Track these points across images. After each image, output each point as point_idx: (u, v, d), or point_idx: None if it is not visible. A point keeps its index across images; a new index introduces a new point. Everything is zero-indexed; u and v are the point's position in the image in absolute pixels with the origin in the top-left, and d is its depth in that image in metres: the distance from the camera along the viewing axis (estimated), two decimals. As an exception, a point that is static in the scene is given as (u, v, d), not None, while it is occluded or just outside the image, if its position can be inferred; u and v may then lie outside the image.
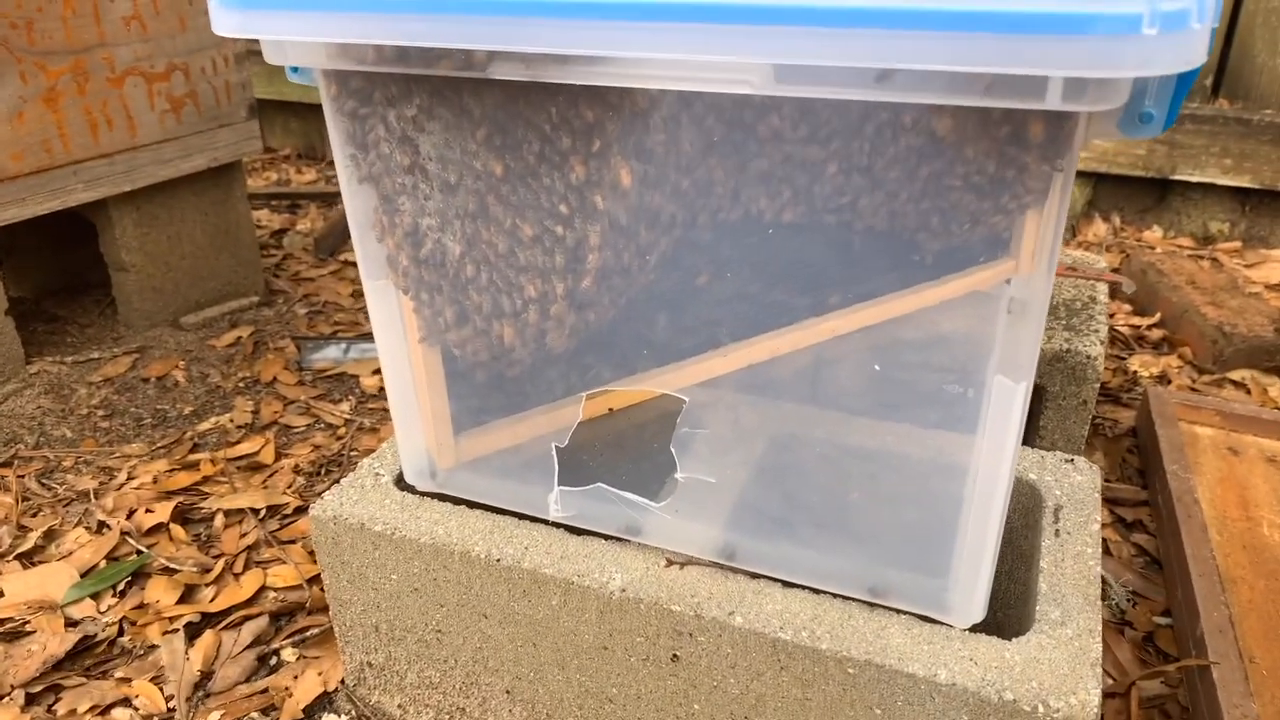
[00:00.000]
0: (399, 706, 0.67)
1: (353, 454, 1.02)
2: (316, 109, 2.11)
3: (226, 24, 0.45)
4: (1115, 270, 1.41)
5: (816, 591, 0.53)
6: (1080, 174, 1.58)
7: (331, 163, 2.16)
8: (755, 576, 0.54)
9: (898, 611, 0.51)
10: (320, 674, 0.71)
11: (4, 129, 1.03)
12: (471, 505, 0.61)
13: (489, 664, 0.61)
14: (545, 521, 0.59)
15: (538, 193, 0.48)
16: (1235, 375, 1.15)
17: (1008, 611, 0.61)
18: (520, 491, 0.59)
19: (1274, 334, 1.15)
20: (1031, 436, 0.84)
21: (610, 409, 0.60)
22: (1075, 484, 0.61)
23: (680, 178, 0.49)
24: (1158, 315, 1.27)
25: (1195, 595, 0.74)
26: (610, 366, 0.55)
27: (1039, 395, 0.82)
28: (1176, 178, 1.50)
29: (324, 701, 0.70)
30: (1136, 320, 1.28)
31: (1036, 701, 0.46)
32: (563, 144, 0.46)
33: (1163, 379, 1.15)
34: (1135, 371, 1.16)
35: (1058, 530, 0.57)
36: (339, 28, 0.43)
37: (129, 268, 1.25)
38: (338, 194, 1.79)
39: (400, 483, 0.64)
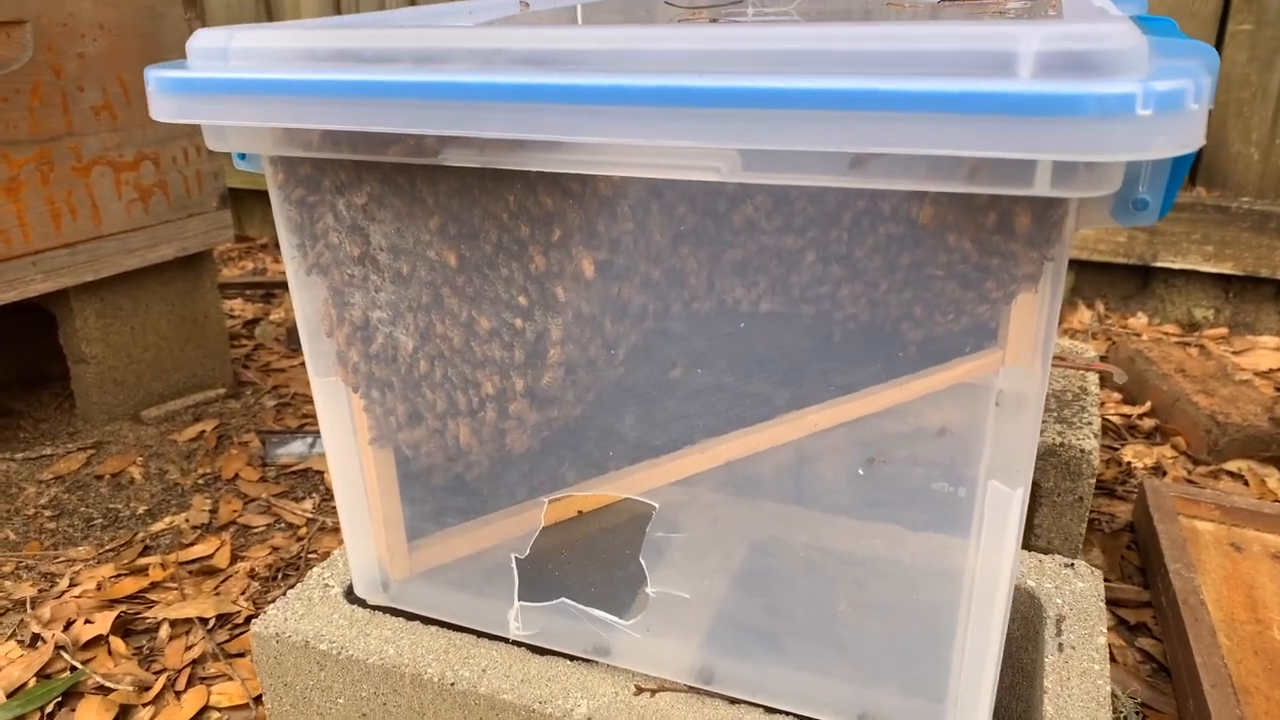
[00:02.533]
0: (344, 847, 0.60)
1: (311, 556, 0.96)
2: (297, 199, 2.10)
3: (163, 109, 0.43)
4: (1103, 359, 1.39)
5: (792, 717, 0.48)
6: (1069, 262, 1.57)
7: (310, 252, 2.14)
8: (734, 702, 0.49)
9: (892, 742, 0.46)
10: (260, 809, 0.64)
11: (-38, 219, 1.01)
12: (426, 621, 0.56)
13: (443, 800, 0.55)
14: (506, 640, 0.54)
15: (495, 284, 0.45)
16: (1232, 466, 1.11)
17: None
18: (478, 606, 0.54)
19: (1269, 423, 1.12)
20: (1028, 535, 0.80)
21: (579, 511, 0.55)
22: (1077, 591, 0.57)
23: (650, 267, 0.46)
24: (1148, 404, 1.25)
25: (1209, 708, 0.68)
26: (576, 467, 0.51)
27: (1034, 492, 0.79)
28: (1158, 264, 1.50)
29: (262, 841, 0.63)
30: (1127, 409, 1.25)
31: None
32: (521, 233, 0.43)
33: (1158, 470, 1.11)
34: (1129, 463, 1.13)
35: (1060, 644, 0.53)
36: (282, 112, 0.40)
37: (89, 359, 1.20)
38: (314, 283, 1.76)
39: (350, 595, 0.59)
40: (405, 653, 0.53)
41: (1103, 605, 0.56)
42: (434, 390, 0.49)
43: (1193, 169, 1.51)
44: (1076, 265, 1.57)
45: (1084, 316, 1.54)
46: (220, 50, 0.42)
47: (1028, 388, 0.40)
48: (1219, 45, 1.44)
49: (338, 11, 1.93)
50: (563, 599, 0.51)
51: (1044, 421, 0.79)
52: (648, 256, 0.46)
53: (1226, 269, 1.46)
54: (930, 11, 0.57)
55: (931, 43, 0.32)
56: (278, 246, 2.14)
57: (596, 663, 0.52)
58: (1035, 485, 0.78)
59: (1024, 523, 0.43)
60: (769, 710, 0.49)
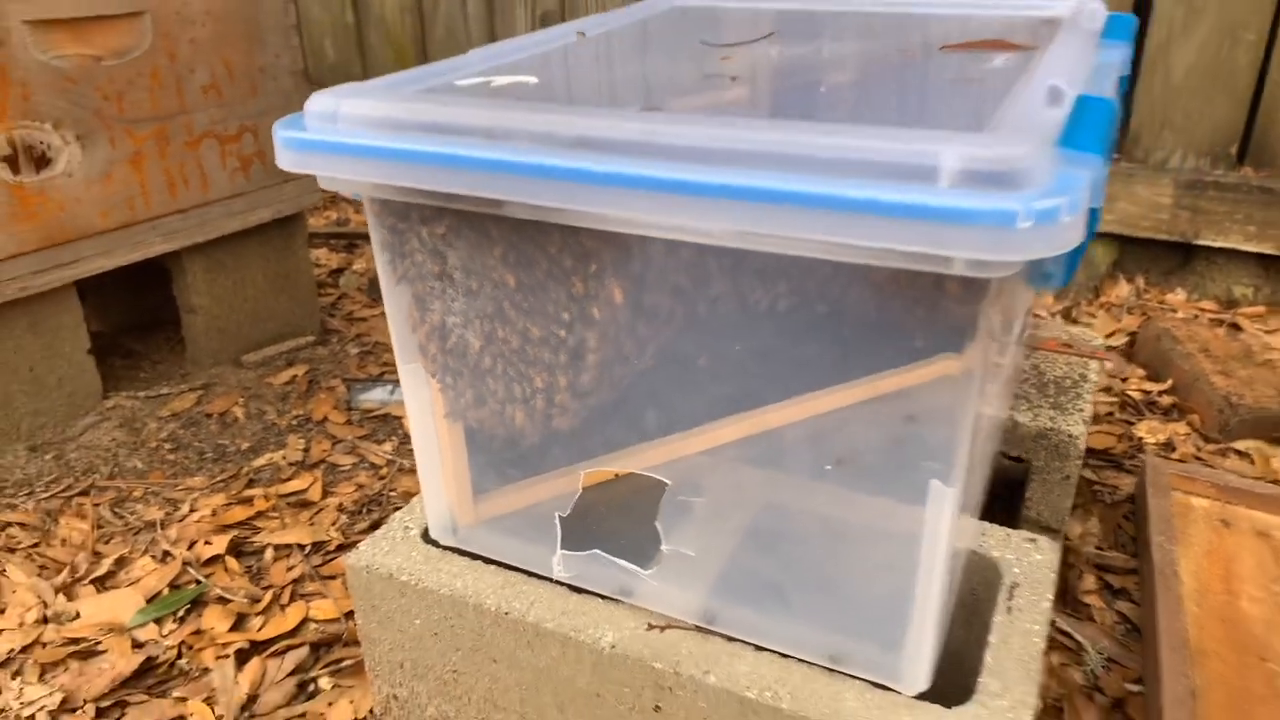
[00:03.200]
0: (419, 736, 0.74)
1: (391, 493, 1.10)
2: (375, 152, 2.23)
3: (286, 160, 0.54)
4: (1132, 336, 1.44)
5: (784, 656, 0.60)
6: (1106, 235, 1.61)
7: (388, 202, 2.28)
8: (730, 640, 0.61)
9: (854, 677, 0.58)
10: (352, 703, 0.79)
11: (94, 189, 1.15)
12: (487, 561, 0.69)
13: (498, 703, 0.69)
14: (550, 579, 0.66)
15: (544, 302, 0.56)
16: (1240, 445, 1.18)
17: (969, 679, 0.67)
18: (529, 551, 0.67)
19: (1281, 406, 1.18)
20: (1018, 507, 0.89)
21: (615, 475, 0.67)
22: (1034, 562, 0.67)
23: (665, 294, 0.56)
24: (1169, 382, 1.31)
25: (1161, 666, 0.78)
26: (606, 443, 0.62)
27: (1026, 470, 0.88)
28: (1200, 242, 1.53)
29: (354, 727, 0.78)
30: (1150, 386, 1.32)
31: (968, 767, 0.52)
32: (565, 265, 0.54)
33: (1168, 446, 1.18)
34: (1141, 438, 1.20)
35: (1010, 607, 0.63)
36: (375, 171, 0.51)
37: (197, 310, 1.36)
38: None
39: (425, 537, 0.72)
40: (469, 586, 0.66)
41: (1054, 576, 0.66)
42: (495, 381, 0.61)
43: (1242, 149, 1.53)
44: (1120, 240, 1.61)
45: (1123, 290, 1.59)
46: (330, 114, 0.53)
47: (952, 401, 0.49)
48: (1274, 30, 1.44)
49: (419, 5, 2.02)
50: (596, 550, 0.63)
51: (1039, 406, 0.88)
52: (663, 288, 0.56)
53: (1268, 249, 1.49)
54: (929, 56, 0.65)
55: (875, 153, 0.41)
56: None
57: (621, 602, 0.64)
58: (1027, 463, 0.87)
59: (960, 508, 0.53)
60: (758, 648, 0.60)
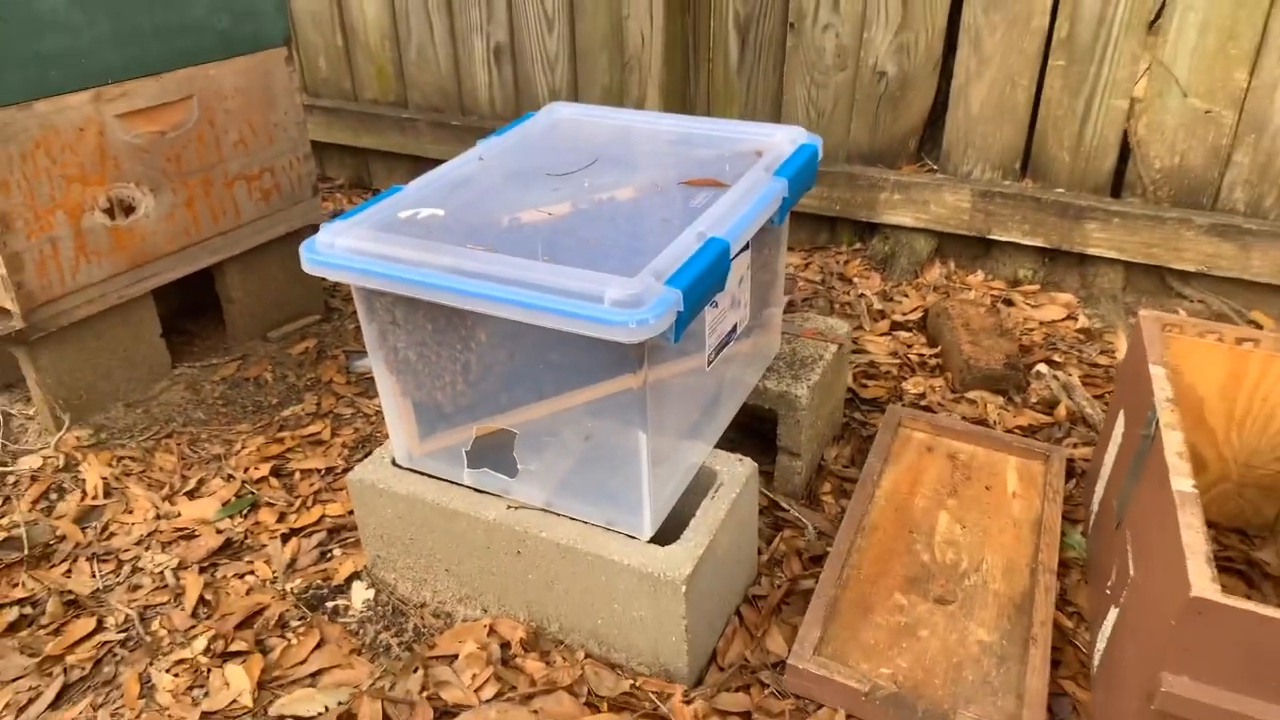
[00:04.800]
0: (394, 578, 1.27)
1: (379, 435, 1.61)
2: (364, 151, 2.68)
3: (307, 267, 1.03)
4: (927, 313, 1.93)
5: (584, 523, 1.11)
6: (929, 232, 2.09)
7: (376, 191, 2.74)
8: (559, 515, 1.12)
9: (618, 532, 1.09)
10: (353, 561, 1.32)
11: (162, 224, 1.64)
12: (428, 476, 1.20)
13: (436, 556, 1.20)
14: (461, 484, 1.17)
15: (448, 338, 1.06)
16: (971, 395, 1.68)
17: (680, 532, 1.18)
18: (450, 470, 1.18)
19: (1003, 367, 1.68)
20: (773, 440, 1.40)
21: (500, 429, 1.17)
22: (736, 472, 1.18)
23: (501, 339, 1.05)
24: (939, 348, 1.81)
25: (839, 531, 1.30)
26: (489, 411, 1.13)
27: (775, 415, 1.38)
28: (992, 237, 2.01)
29: (355, 576, 1.30)
30: (925, 351, 1.82)
31: (663, 572, 1.03)
32: (455, 321, 1.04)
33: (922, 396, 1.69)
34: (905, 390, 1.70)
35: (714, 496, 1.14)
36: (351, 277, 1.00)
37: (234, 300, 1.85)
38: (377, 229, 2.36)
39: (394, 463, 1.23)
40: (417, 489, 1.17)
41: (745, 480, 1.16)
42: (424, 377, 1.11)
43: (1024, 165, 2.00)
44: (937, 235, 2.09)
45: (935, 273, 2.08)
46: (329, 243, 1.03)
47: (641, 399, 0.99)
48: (1041, 76, 1.90)
49: (394, 21, 2.45)
50: (485, 468, 1.14)
51: (781, 375, 1.38)
52: (502, 334, 1.05)
53: (1040, 242, 1.97)
54: (674, 191, 1.14)
55: (581, 282, 0.90)
56: (353, 186, 2.75)
57: (500, 495, 1.15)
58: (775, 413, 1.38)
59: (657, 445, 1.03)
60: (572, 519, 1.11)
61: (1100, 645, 1.11)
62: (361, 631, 1.21)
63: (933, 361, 1.79)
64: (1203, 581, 0.85)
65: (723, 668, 1.13)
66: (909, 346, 1.84)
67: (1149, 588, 0.97)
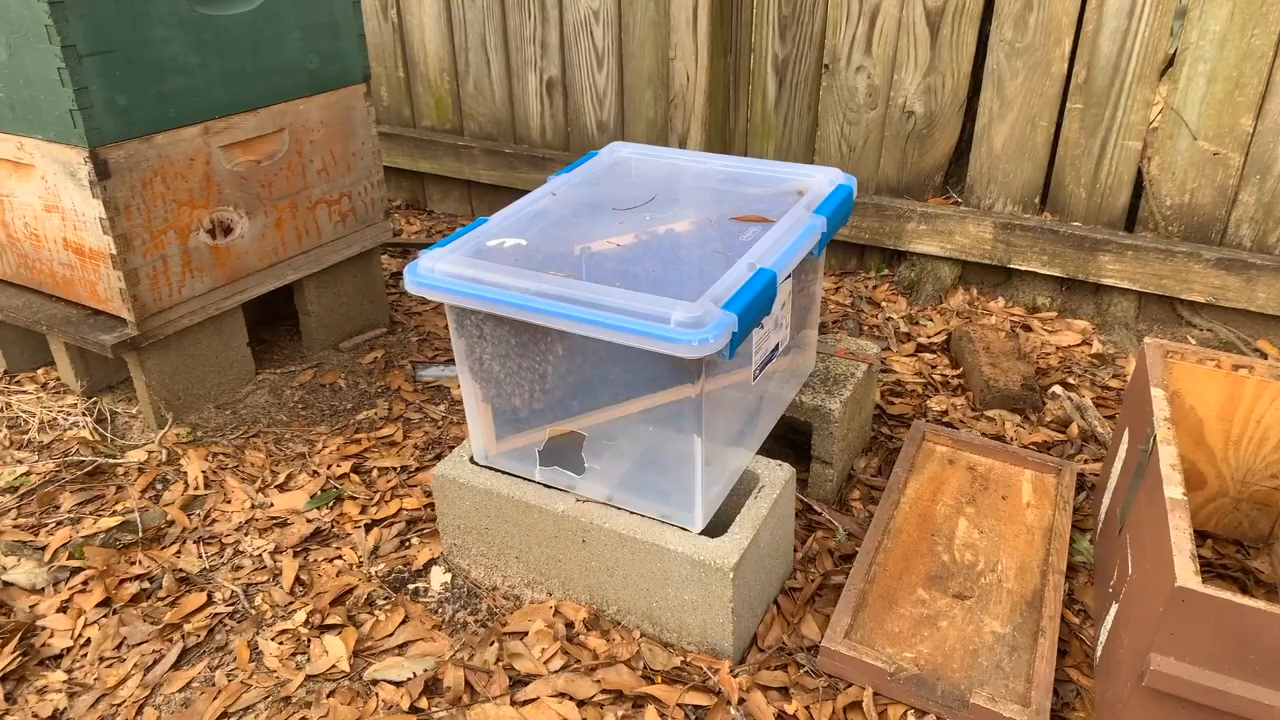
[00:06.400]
0: (468, 564, 1.42)
1: (446, 437, 1.77)
2: (421, 175, 2.86)
3: (412, 289, 1.19)
4: (948, 339, 2.07)
5: (642, 516, 1.26)
6: (954, 260, 2.23)
7: (431, 212, 2.92)
8: (619, 509, 1.27)
9: (671, 524, 1.24)
10: (430, 549, 1.47)
11: (255, 244, 1.81)
12: (503, 473, 1.35)
13: (508, 544, 1.36)
14: (533, 481, 1.33)
15: (528, 351, 1.22)
16: (990, 414, 1.82)
17: (726, 527, 1.33)
18: (524, 467, 1.33)
19: (1020, 389, 1.82)
20: (807, 449, 1.54)
21: (571, 431, 1.33)
22: (776, 476, 1.32)
23: (576, 353, 1.21)
24: (961, 369, 1.94)
25: (867, 533, 1.44)
26: (561, 415, 1.28)
27: (809, 429, 1.52)
28: (1012, 266, 2.15)
29: (432, 562, 1.45)
30: (948, 371, 1.95)
31: (713, 559, 1.18)
32: (537, 336, 1.20)
33: (945, 413, 1.82)
34: (929, 406, 1.84)
35: (757, 496, 1.29)
36: (448, 297, 1.16)
37: (310, 314, 2.02)
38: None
39: (472, 460, 1.39)
40: (493, 484, 1.33)
41: (785, 483, 1.31)
42: (505, 385, 1.26)
43: (1043, 200, 2.14)
44: (960, 263, 2.23)
45: (959, 299, 2.21)
46: (430, 268, 1.19)
47: (696, 407, 1.14)
48: (1060, 117, 2.04)
49: (451, 35, 2.64)
50: (555, 466, 1.30)
51: (816, 391, 1.52)
52: (576, 349, 1.20)
53: (1056, 272, 2.11)
54: (727, 225, 1.29)
55: (651, 305, 1.06)
56: (409, 207, 2.92)
57: (568, 491, 1.30)
58: (810, 425, 1.52)
59: (710, 448, 1.18)
60: (631, 513, 1.26)
61: (1103, 638, 1.24)
62: (440, 610, 1.36)
63: (955, 382, 1.92)
64: (1186, 574, 0.98)
65: (762, 649, 1.27)
66: (933, 367, 1.97)
67: (1143, 583, 1.11)
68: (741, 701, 1.17)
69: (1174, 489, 1.11)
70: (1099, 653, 1.25)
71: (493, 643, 1.27)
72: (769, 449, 1.62)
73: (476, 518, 1.36)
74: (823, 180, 1.42)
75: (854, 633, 1.27)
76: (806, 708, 1.17)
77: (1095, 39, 1.96)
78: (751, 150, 2.41)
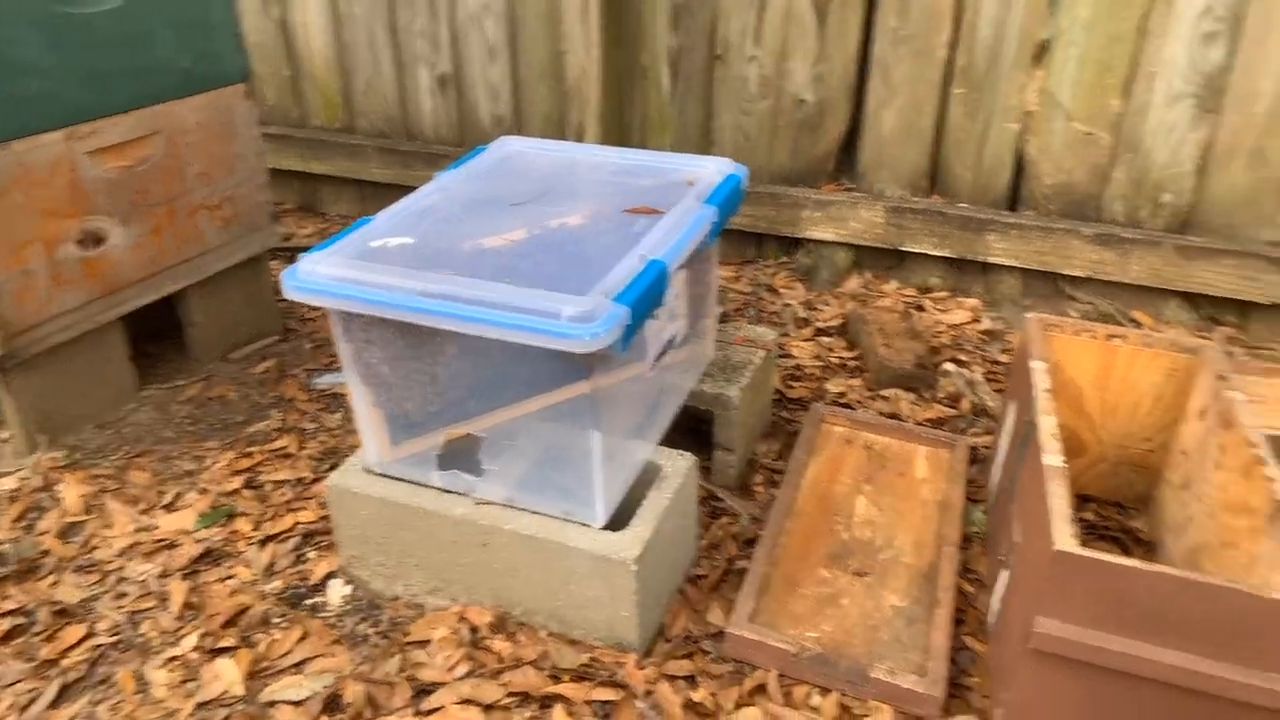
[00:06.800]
0: (368, 575, 1.38)
1: (343, 447, 1.72)
2: (313, 176, 2.78)
3: (289, 293, 1.15)
4: (845, 321, 2.11)
5: (544, 515, 1.24)
6: (848, 245, 2.27)
7: (325, 215, 2.84)
8: (520, 510, 1.25)
9: (574, 521, 1.23)
10: (328, 562, 1.43)
11: (130, 254, 1.72)
12: (399, 480, 1.32)
13: (408, 552, 1.32)
14: (430, 486, 1.30)
15: (418, 352, 1.19)
16: (886, 393, 1.86)
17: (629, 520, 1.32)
18: (420, 473, 1.30)
19: (914, 367, 1.86)
20: (709, 436, 1.55)
21: (468, 433, 1.30)
22: (678, 465, 1.32)
23: (467, 352, 1.18)
24: (857, 351, 1.98)
25: (769, 517, 1.45)
26: (456, 418, 1.25)
27: (709, 415, 1.53)
28: (904, 249, 2.21)
29: (331, 575, 1.41)
30: (845, 354, 1.99)
31: (616, 554, 1.17)
32: (425, 336, 1.17)
33: (842, 395, 1.86)
34: (827, 389, 1.87)
35: (659, 488, 1.29)
36: (329, 301, 1.13)
37: (196, 324, 1.94)
38: (330, 252, 2.45)
39: (366, 469, 1.35)
40: (389, 492, 1.29)
41: (686, 472, 1.31)
42: (396, 389, 1.23)
43: (931, 183, 2.20)
44: (854, 248, 2.28)
45: (854, 283, 2.26)
46: (310, 271, 1.15)
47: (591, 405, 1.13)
48: (944, 102, 2.10)
49: (337, 31, 2.56)
50: (453, 470, 1.27)
51: (716, 379, 1.53)
52: (467, 348, 1.18)
53: (946, 253, 2.17)
54: (619, 218, 1.29)
55: (541, 301, 1.04)
56: (302, 210, 2.83)
57: (467, 494, 1.28)
58: (710, 413, 1.53)
59: (610, 442, 1.17)
60: (533, 513, 1.24)
61: (995, 604, 1.29)
62: (340, 624, 1.32)
63: (852, 364, 1.96)
64: (1064, 538, 1.02)
65: (669, 639, 1.27)
66: (830, 350, 2.01)
67: (1028, 549, 1.15)
68: (649, 693, 1.17)
69: (1052, 457, 1.15)
70: (992, 619, 1.29)
71: (395, 654, 1.24)
72: (672, 438, 1.62)
73: (374, 527, 1.33)
74: (713, 170, 1.43)
75: (758, 616, 1.28)
76: (713, 694, 1.18)
77: (974, 25, 2.02)
78: (650, 142, 2.41)
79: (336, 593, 1.38)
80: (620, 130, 2.38)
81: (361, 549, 1.36)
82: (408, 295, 1.10)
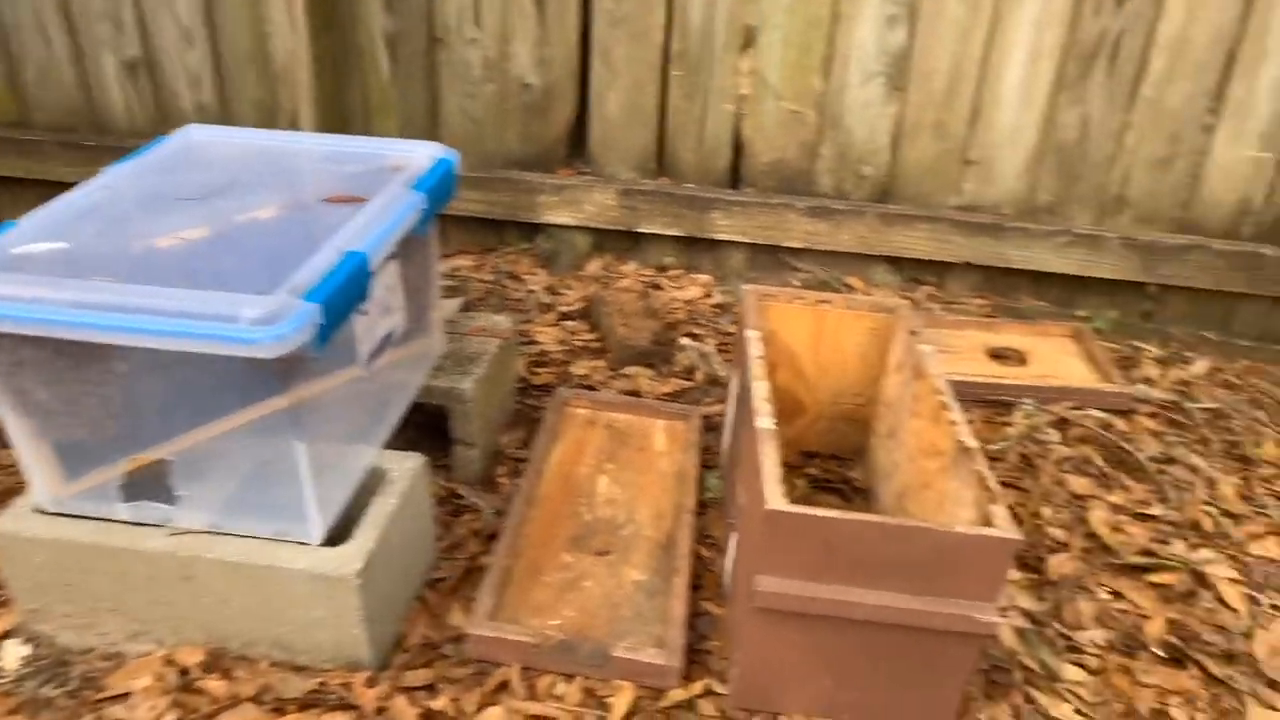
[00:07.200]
0: (54, 628, 1.21)
1: (20, 486, 1.50)
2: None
3: (-95, 314, 0.97)
4: (587, 302, 2.12)
5: (256, 537, 1.14)
6: (587, 229, 2.28)
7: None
8: (227, 534, 1.14)
9: (289, 541, 1.13)
10: (3, 621, 1.24)
11: None
12: (79, 517, 1.16)
13: (100, 596, 1.17)
14: (117, 520, 1.15)
15: (83, 372, 1.04)
16: (628, 371, 1.88)
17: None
18: (104, 508, 1.15)
19: (651, 344, 1.90)
20: (449, 431, 1.50)
21: (155, 459, 1.16)
22: (405, 467, 1.26)
23: (144, 370, 1.06)
24: (598, 333, 2.00)
25: (512, 506, 1.43)
26: (136, 446, 1.12)
27: (447, 410, 1.48)
28: (640, 230, 2.25)
29: (6, 635, 1.22)
30: (589, 336, 2.00)
31: (336, 570, 1.09)
32: (88, 354, 1.03)
33: (586, 377, 1.86)
34: (572, 372, 1.87)
35: (384, 493, 1.22)
36: (-36, 319, 0.96)
37: None
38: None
39: (37, 509, 1.17)
40: (68, 531, 1.13)
41: (414, 474, 1.25)
42: (62, 415, 1.08)
43: (659, 165, 2.25)
44: (593, 231, 2.29)
45: (595, 265, 2.28)
46: (-71, 287, 0.97)
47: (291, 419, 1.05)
48: (665, 88, 2.15)
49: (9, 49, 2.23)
50: (141, 500, 1.13)
51: (451, 372, 1.48)
52: (142, 364, 1.05)
53: (676, 232, 2.23)
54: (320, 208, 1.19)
55: (218, 304, 0.94)
56: (-34, 219, 2.45)
57: (164, 525, 1.14)
58: (447, 407, 1.47)
59: (318, 453, 1.09)
60: (243, 536, 1.14)
61: (728, 566, 1.33)
62: (18, 690, 1.15)
63: (595, 345, 1.98)
64: (775, 497, 1.07)
65: (407, 649, 1.21)
66: (574, 334, 2.01)
67: (749, 510, 1.19)
68: (382, 710, 1.11)
69: (764, 420, 1.20)
70: (727, 581, 1.33)
71: (86, 715, 1.09)
72: (411, 438, 1.55)
73: (55, 573, 1.16)
74: (423, 155, 1.37)
75: (500, 612, 1.25)
76: (454, 700, 1.14)
77: (686, 8, 2.08)
78: (373, 128, 2.29)
79: (13, 655, 1.19)
80: (340, 116, 2.25)
81: (42, 600, 1.19)
82: (55, 308, 0.96)
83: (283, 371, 1.02)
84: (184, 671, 1.14)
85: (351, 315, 1.10)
